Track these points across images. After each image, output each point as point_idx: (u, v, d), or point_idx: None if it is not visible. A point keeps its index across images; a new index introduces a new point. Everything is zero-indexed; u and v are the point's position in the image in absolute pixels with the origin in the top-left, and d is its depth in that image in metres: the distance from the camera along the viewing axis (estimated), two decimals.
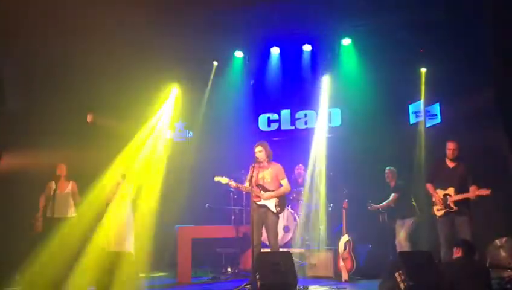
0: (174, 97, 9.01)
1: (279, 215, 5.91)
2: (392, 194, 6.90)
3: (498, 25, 5.05)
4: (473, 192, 5.62)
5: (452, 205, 5.71)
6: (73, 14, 6.95)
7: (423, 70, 8.13)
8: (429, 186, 6.00)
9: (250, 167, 5.84)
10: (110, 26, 7.22)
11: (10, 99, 5.92)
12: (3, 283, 5.92)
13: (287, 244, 7.10)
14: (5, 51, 6.26)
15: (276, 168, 5.98)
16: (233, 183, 5.82)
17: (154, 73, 8.54)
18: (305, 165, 7.98)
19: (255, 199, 5.77)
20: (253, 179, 5.71)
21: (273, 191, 5.85)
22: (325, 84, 8.63)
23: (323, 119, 8.65)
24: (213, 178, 5.90)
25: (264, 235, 5.93)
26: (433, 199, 5.90)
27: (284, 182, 5.97)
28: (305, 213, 7.57)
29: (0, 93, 5.73)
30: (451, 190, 5.76)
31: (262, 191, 5.81)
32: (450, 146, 5.88)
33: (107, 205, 6.38)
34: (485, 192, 5.54)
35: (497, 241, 6.66)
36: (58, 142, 7.70)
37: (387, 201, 6.91)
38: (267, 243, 5.92)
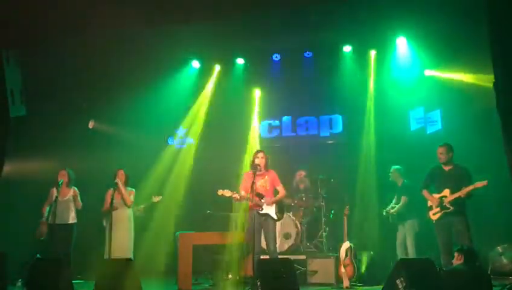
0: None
1: (279, 221, 5.92)
2: (402, 197, 6.93)
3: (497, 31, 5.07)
4: (468, 187, 5.60)
5: (448, 205, 5.73)
6: (73, 20, 6.98)
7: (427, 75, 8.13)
8: (425, 192, 6.06)
9: (248, 173, 5.85)
10: (109, 30, 7.26)
11: (14, 106, 5.96)
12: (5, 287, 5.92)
13: (288, 251, 7.07)
14: (8, 59, 6.29)
15: (272, 175, 6.03)
16: (237, 196, 5.82)
17: (154, 79, 8.58)
18: (307, 171, 7.97)
19: (255, 208, 5.78)
20: (253, 188, 5.71)
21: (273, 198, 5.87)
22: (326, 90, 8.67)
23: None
24: (214, 185, 5.92)
25: (263, 241, 5.93)
26: (429, 204, 5.96)
27: (280, 188, 6.03)
28: (306, 219, 7.56)
29: (5, 100, 5.78)
30: (446, 191, 5.81)
31: (262, 200, 5.82)
32: (439, 151, 5.98)
33: (107, 211, 6.40)
34: (481, 184, 5.53)
35: (499, 248, 6.64)
36: (60, 148, 7.73)
37: (399, 205, 6.93)
38: (266, 249, 5.91)
